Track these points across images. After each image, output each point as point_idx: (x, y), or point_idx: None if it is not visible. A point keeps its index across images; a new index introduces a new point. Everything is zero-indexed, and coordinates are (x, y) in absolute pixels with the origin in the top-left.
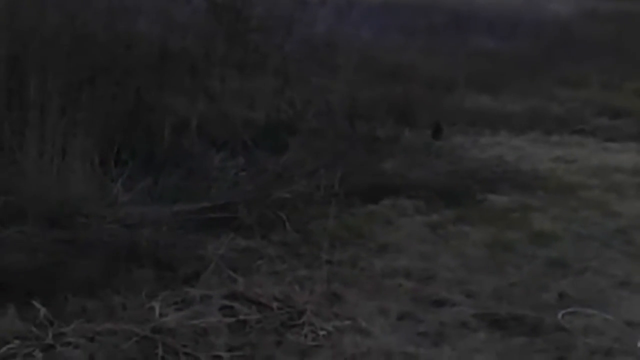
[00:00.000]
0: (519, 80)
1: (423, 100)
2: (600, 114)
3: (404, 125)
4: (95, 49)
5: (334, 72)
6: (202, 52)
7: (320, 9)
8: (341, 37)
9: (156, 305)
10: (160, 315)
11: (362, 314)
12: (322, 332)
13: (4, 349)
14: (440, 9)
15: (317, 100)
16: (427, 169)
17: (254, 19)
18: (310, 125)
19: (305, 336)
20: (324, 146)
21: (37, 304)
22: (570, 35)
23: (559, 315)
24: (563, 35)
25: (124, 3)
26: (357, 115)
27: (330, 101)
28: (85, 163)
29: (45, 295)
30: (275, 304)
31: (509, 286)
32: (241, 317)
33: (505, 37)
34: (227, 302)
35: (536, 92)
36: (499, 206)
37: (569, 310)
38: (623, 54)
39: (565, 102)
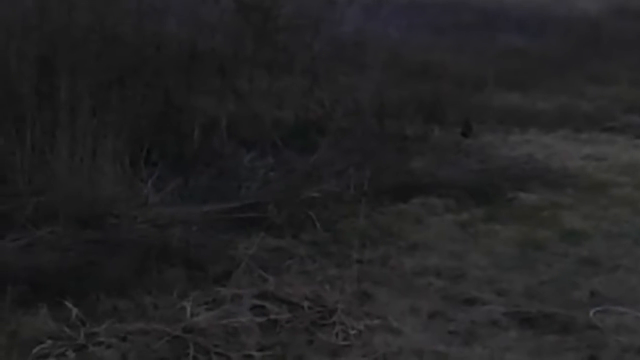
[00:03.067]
0: (548, 78)
1: (452, 99)
2: (629, 111)
3: (433, 124)
4: (124, 50)
5: (362, 71)
6: (231, 52)
7: (348, 8)
8: (369, 36)
9: (187, 305)
10: (192, 314)
11: (393, 313)
12: (352, 331)
13: (37, 348)
14: (468, 7)
15: (345, 100)
16: (456, 167)
17: (282, 18)
18: (339, 124)
19: (336, 335)
20: (353, 145)
21: (69, 304)
22: (599, 32)
23: (591, 313)
24: (592, 33)
25: (153, 4)
26: (386, 114)
27: (359, 100)
28: (116, 164)
29: (77, 295)
30: (306, 303)
31: (540, 284)
32: (272, 316)
33: (534, 34)
34: (258, 302)
35: (565, 89)
36: (529, 204)
37: (601, 308)
38: None
39: (595, 100)
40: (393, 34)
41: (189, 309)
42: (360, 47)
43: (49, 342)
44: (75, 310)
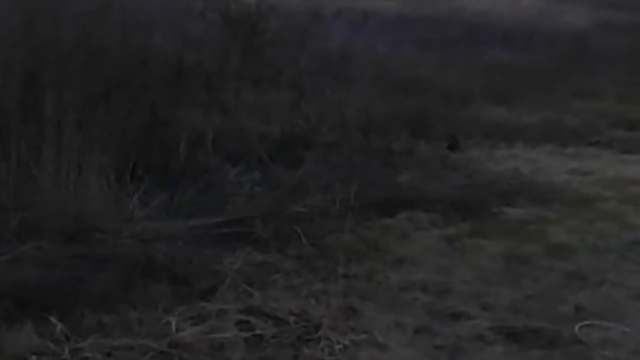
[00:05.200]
0: (534, 93)
1: (438, 113)
2: (615, 125)
3: (419, 139)
4: (110, 64)
5: (349, 85)
6: (217, 66)
7: (334, 23)
8: (356, 51)
9: (172, 320)
10: (177, 330)
11: (379, 328)
12: (338, 346)
13: None
14: (454, 22)
15: (332, 114)
16: (442, 182)
17: (269, 32)
18: (326, 139)
19: (322, 350)
20: (340, 160)
21: (53, 319)
22: (585, 47)
23: (576, 328)
24: (578, 47)
25: (139, 18)
26: (372, 128)
27: (346, 115)
28: (102, 178)
29: (62, 310)
30: (291, 318)
31: (526, 299)
32: (257, 331)
33: (520, 49)
34: (243, 317)
35: (551, 104)
36: (515, 219)
37: (586, 322)
38: (638, 66)
39: (581, 114)
40: (380, 49)
41: (174, 324)
42: (346, 62)
43: (34, 357)
44: (59, 326)
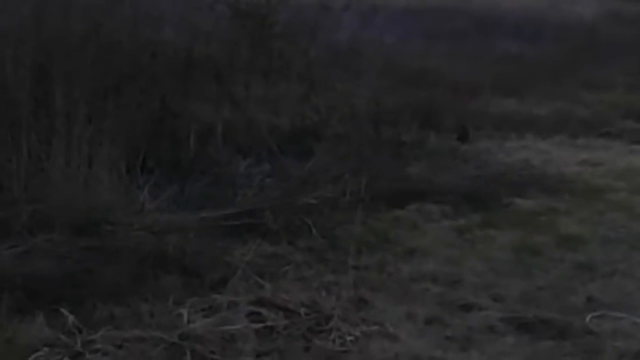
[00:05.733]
0: (544, 84)
1: (448, 105)
2: (626, 116)
3: (429, 130)
4: (120, 57)
5: (358, 77)
6: (227, 59)
7: (343, 15)
8: (365, 43)
9: (184, 311)
10: (188, 321)
11: (390, 319)
12: (349, 338)
13: (33, 356)
14: (464, 13)
15: (341, 106)
16: (453, 173)
17: (278, 25)
18: (335, 130)
19: (333, 342)
20: (349, 151)
21: (65, 312)
22: (595, 38)
23: (587, 319)
24: (588, 38)
25: (149, 11)
26: (382, 120)
27: (355, 106)
28: (112, 171)
29: (74, 302)
30: (302, 310)
31: (537, 290)
32: (268, 323)
33: (530, 40)
34: (254, 308)
35: (562, 95)
36: (525, 210)
37: (597, 313)
38: None
39: (591, 105)
40: (389, 41)
41: (185, 316)
42: (356, 54)
43: (45, 349)
44: (71, 318)
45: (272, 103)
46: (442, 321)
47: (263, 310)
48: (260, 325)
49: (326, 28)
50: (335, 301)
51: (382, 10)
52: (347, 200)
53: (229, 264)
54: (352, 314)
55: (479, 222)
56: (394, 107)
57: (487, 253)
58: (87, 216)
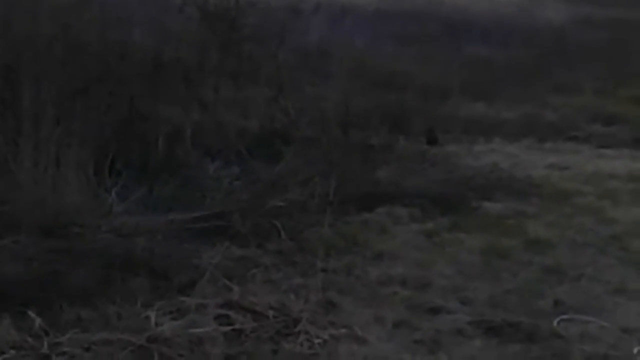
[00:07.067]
0: (512, 88)
1: (417, 108)
2: (594, 120)
3: (398, 134)
4: (89, 59)
5: (327, 80)
6: (196, 61)
7: (313, 18)
8: (335, 46)
9: (152, 314)
10: (156, 324)
11: (358, 322)
12: (317, 341)
13: None
14: (433, 17)
15: (311, 109)
16: (421, 176)
17: (248, 28)
18: (305, 133)
19: (301, 345)
20: (318, 155)
21: (32, 314)
22: (564, 42)
23: (555, 322)
24: (556, 43)
25: (118, 13)
26: (351, 123)
27: (324, 110)
28: (80, 173)
29: (41, 305)
30: (270, 313)
31: (505, 293)
32: (237, 326)
33: (499, 44)
34: (222, 311)
35: (530, 99)
36: (493, 213)
37: (565, 317)
38: (616, 61)
39: (559, 109)
40: (358, 44)
41: (153, 319)
42: (325, 57)
43: (12, 352)
44: (38, 320)
45: (241, 106)
46: (411, 324)
47: (231, 313)
48: (229, 328)
49: (296, 31)
50: (303, 304)
51: (352, 13)
52: (315, 203)
53: (197, 267)
54: (321, 317)
55: (447, 225)
56: (363, 111)
57: (456, 256)
58: (55, 218)
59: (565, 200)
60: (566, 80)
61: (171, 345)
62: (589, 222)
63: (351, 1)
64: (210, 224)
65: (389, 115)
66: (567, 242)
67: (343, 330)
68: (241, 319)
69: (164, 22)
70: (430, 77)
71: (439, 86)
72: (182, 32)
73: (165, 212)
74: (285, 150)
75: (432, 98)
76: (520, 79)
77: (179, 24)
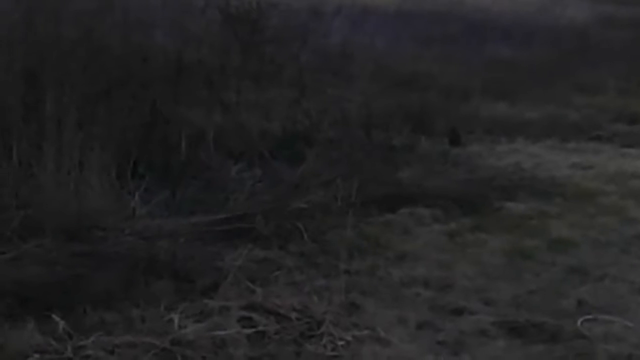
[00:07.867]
0: (535, 88)
1: (439, 109)
2: (616, 120)
3: (420, 134)
4: (111, 62)
5: (349, 81)
6: (218, 63)
7: (334, 19)
8: (356, 47)
9: (175, 317)
10: (179, 327)
11: (381, 324)
12: (341, 342)
13: None
14: (455, 18)
15: (333, 110)
16: (444, 177)
17: (269, 30)
18: (327, 135)
19: (324, 346)
20: (341, 156)
21: (56, 317)
22: (587, 41)
23: (579, 322)
24: (579, 42)
25: (140, 16)
26: (373, 124)
27: (346, 111)
28: (103, 176)
29: (64, 308)
30: (293, 315)
31: (528, 293)
32: (260, 328)
33: (521, 44)
34: (245, 313)
35: (553, 99)
36: (516, 214)
37: (589, 317)
38: (639, 60)
39: (582, 109)
40: (380, 45)
41: (176, 321)
42: (347, 58)
43: (36, 356)
44: (62, 324)
45: (263, 108)
46: (434, 325)
47: (254, 315)
48: (252, 330)
49: (317, 32)
50: (326, 306)
51: (373, 14)
52: (338, 205)
53: (220, 269)
54: (344, 318)
55: (470, 226)
56: (385, 112)
57: (478, 257)
58: (78, 222)
59: (588, 200)
60: (589, 79)
61: (194, 348)
62: (612, 221)
63: (372, 2)
64: (232, 226)
65: (411, 115)
66: (591, 242)
67: (366, 332)
68: (264, 321)
69: (185, 25)
70: (452, 78)
71: (461, 86)
72: (204, 35)
73: (188, 214)
74: (307, 152)
75: (454, 98)
76: (543, 79)
77: (201, 27)
